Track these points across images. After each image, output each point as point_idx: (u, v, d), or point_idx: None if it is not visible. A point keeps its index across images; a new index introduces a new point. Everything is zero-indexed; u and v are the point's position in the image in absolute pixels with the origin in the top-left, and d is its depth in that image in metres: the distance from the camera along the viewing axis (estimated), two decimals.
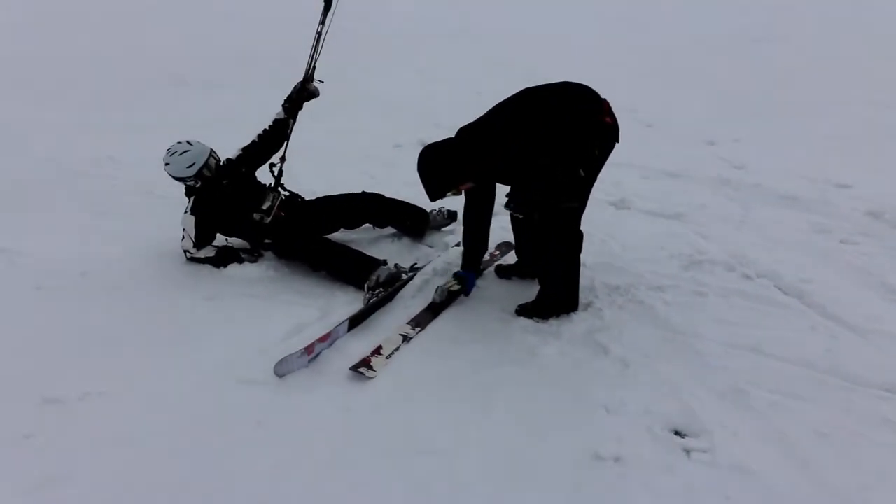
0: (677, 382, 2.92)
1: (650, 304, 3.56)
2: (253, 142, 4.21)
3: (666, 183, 5.46)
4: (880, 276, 3.86)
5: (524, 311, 3.49)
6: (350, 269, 3.79)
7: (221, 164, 4.14)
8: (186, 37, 12.32)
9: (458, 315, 3.55)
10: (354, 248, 4.04)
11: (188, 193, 4.08)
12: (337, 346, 3.25)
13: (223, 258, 4.04)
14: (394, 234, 4.48)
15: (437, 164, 3.18)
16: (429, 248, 4.37)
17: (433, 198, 3.24)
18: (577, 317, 3.46)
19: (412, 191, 4.80)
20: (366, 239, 4.42)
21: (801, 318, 3.44)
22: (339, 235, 4.32)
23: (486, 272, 3.98)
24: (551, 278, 3.44)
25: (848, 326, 3.35)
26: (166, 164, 4.00)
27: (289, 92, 4.18)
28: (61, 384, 2.93)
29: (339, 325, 3.28)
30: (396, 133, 6.85)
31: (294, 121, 4.20)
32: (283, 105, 4.19)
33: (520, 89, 3.24)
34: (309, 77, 4.15)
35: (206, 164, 3.99)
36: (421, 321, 3.46)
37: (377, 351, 3.18)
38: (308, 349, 3.07)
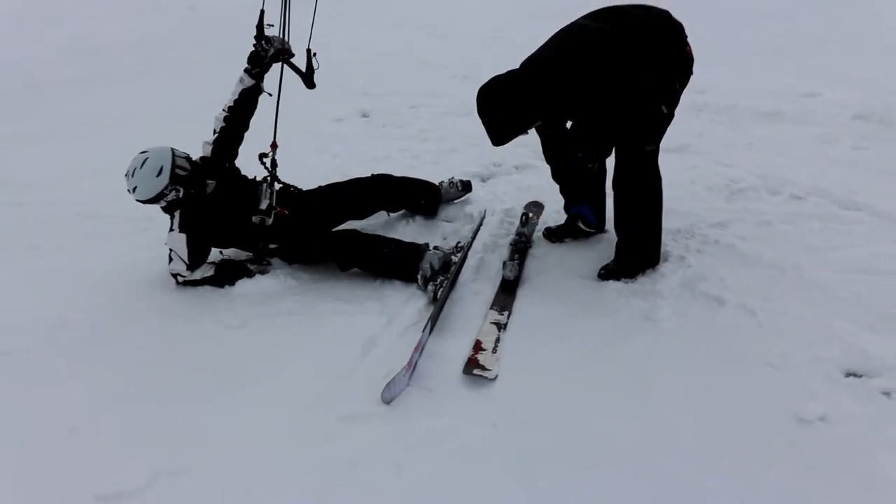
0: (821, 322, 2.68)
1: (727, 242, 3.32)
2: (222, 127, 3.45)
3: None
4: None
5: (609, 273, 3.13)
6: (393, 262, 3.25)
7: (194, 160, 3.42)
8: (14, 35, 10.84)
9: (537, 289, 3.14)
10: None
11: (169, 209, 3.34)
12: (427, 353, 2.74)
13: (228, 275, 3.37)
14: (405, 214, 3.96)
15: (505, 104, 2.74)
16: (448, 224, 3.89)
17: (498, 142, 2.81)
18: (662, 269, 3.15)
19: (383, 165, 4.36)
20: (377, 224, 3.87)
21: (881, 230, 3.33)
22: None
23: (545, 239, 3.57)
24: (634, 232, 3.10)
25: None
26: (134, 188, 3.24)
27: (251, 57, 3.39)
28: (114, 472, 2.24)
29: (424, 328, 2.77)
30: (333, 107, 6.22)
31: (261, 86, 3.43)
32: (245, 70, 3.41)
33: (598, 8, 2.82)
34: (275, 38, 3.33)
35: (175, 164, 3.26)
36: (504, 304, 3.01)
37: (479, 347, 2.72)
38: (409, 364, 2.56)
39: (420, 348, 2.69)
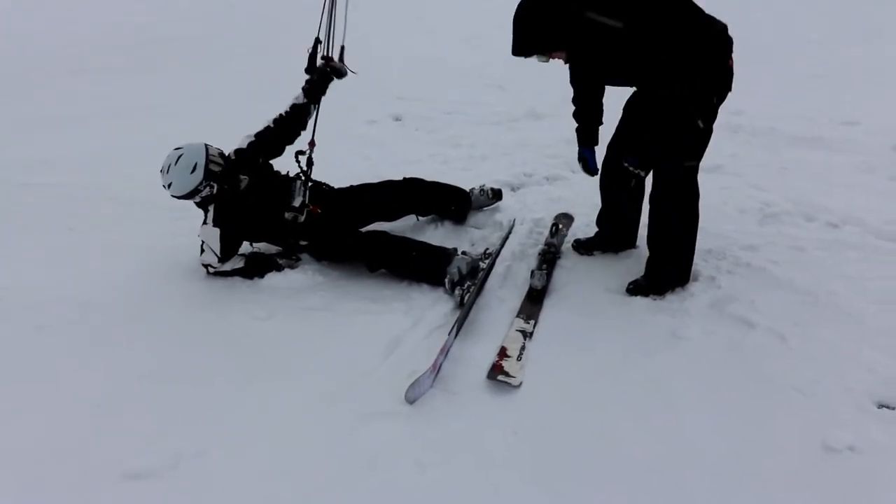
0: (853, 350, 2.64)
1: (758, 265, 3.28)
2: (267, 127, 3.53)
3: None
4: None
5: (638, 288, 3.10)
6: (421, 265, 3.26)
7: (228, 155, 3.46)
8: (66, 21, 11.04)
9: (564, 300, 3.12)
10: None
11: (203, 204, 3.38)
12: (451, 356, 2.74)
13: (257, 267, 3.40)
14: (434, 219, 3.96)
15: (537, 20, 2.67)
16: (477, 230, 3.89)
17: (517, 53, 2.76)
18: (692, 288, 3.12)
19: (413, 168, 4.37)
20: (406, 227, 3.88)
21: None
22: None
23: (564, 249, 3.55)
24: (667, 249, 3.07)
25: None
26: (169, 185, 3.28)
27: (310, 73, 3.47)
28: (140, 451, 2.26)
29: (450, 331, 2.76)
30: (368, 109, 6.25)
31: (317, 107, 3.52)
32: (302, 88, 3.51)
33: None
34: (332, 57, 3.43)
35: (209, 160, 3.30)
36: (531, 313, 3.00)
37: (503, 354, 2.71)
38: (434, 366, 2.55)
39: (445, 351, 2.68)
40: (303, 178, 3.45)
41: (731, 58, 2.75)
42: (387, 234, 3.44)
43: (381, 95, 6.84)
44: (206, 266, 3.36)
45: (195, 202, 3.36)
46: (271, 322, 3.03)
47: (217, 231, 3.29)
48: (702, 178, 3.99)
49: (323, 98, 3.49)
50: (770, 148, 4.92)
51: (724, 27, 2.70)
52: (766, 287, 3.10)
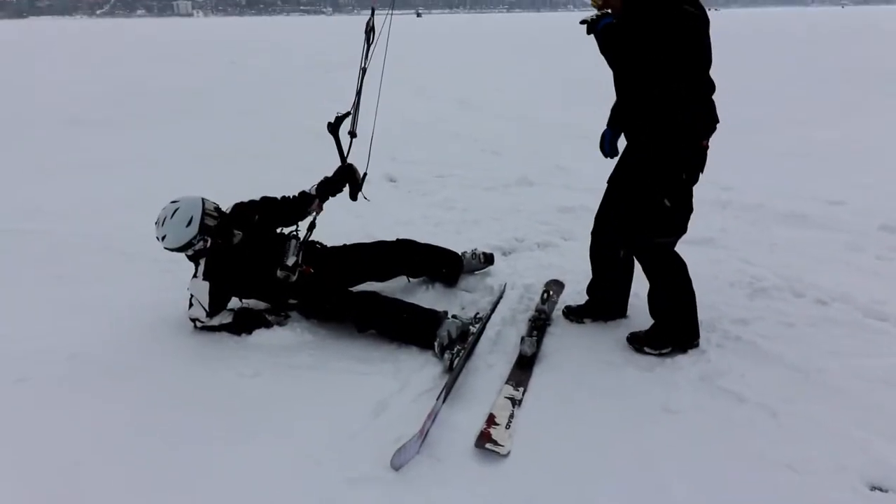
0: (844, 429, 2.61)
1: (748, 339, 3.28)
2: (275, 199, 3.61)
3: None
4: None
5: (636, 338, 3.16)
6: (410, 327, 3.24)
7: (224, 210, 3.47)
8: (65, 73, 11.22)
9: (554, 368, 3.10)
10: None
11: (195, 257, 3.37)
12: (438, 421, 2.69)
13: (245, 323, 3.37)
14: (425, 281, 3.96)
15: None
16: (468, 294, 3.88)
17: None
18: (682, 361, 3.11)
19: (405, 230, 4.40)
20: (396, 288, 3.87)
21: None
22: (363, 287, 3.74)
23: (564, 318, 3.54)
24: (664, 310, 3.12)
25: None
26: (163, 237, 3.30)
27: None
28: None
29: (438, 396, 2.72)
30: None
31: (321, 203, 3.62)
32: (318, 183, 3.63)
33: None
34: (362, 175, 3.62)
35: (205, 214, 3.32)
36: (520, 380, 2.97)
37: (492, 421, 2.67)
38: (421, 431, 2.51)
39: (433, 416, 2.64)
40: (298, 238, 3.46)
41: (706, 140, 2.82)
42: (377, 295, 3.43)
43: (376, 156, 6.92)
44: (193, 320, 3.33)
45: (187, 255, 3.35)
46: (257, 380, 2.99)
47: (206, 285, 3.27)
48: (692, 251, 4.04)
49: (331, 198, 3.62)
50: (759, 224, 4.99)
51: (710, 109, 2.79)
52: (756, 361, 3.09)
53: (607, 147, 3.23)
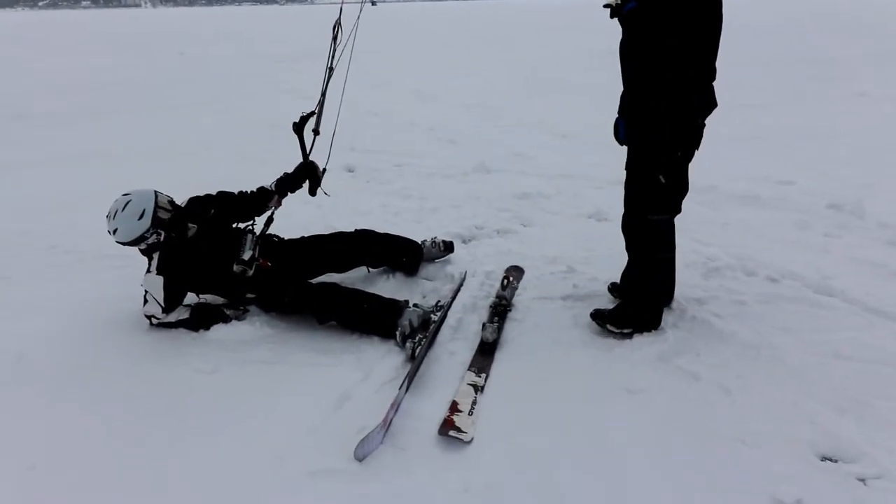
0: (794, 403, 2.69)
1: (703, 318, 3.35)
2: (231, 194, 3.56)
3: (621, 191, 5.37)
4: (883, 265, 3.93)
5: (599, 315, 3.18)
6: (371, 317, 3.23)
7: (177, 203, 3.41)
8: (9, 66, 10.85)
9: (515, 352, 3.12)
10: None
11: (148, 251, 3.30)
12: (401, 410, 2.69)
13: (203, 318, 3.31)
14: (385, 270, 3.95)
15: None
16: (429, 282, 3.89)
17: None
18: (641, 341, 3.16)
19: (364, 219, 4.39)
20: (356, 278, 3.86)
21: (854, 316, 3.37)
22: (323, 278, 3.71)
23: (524, 303, 3.56)
24: (630, 292, 3.19)
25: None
26: (114, 231, 3.22)
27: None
28: None
29: (401, 386, 2.73)
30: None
31: (280, 199, 3.60)
32: (277, 179, 3.59)
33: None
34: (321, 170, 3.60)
35: (157, 206, 3.25)
36: (482, 366, 2.99)
37: (455, 408, 2.68)
38: (384, 421, 2.51)
39: (396, 406, 2.64)
40: (254, 232, 3.41)
41: (703, 118, 2.88)
42: (337, 286, 3.41)
43: (334, 146, 6.87)
44: (149, 317, 3.27)
45: (140, 249, 3.28)
46: (216, 376, 2.95)
47: (161, 280, 3.21)
48: None
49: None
50: (712, 205, 5.10)
51: (711, 93, 2.85)
52: (710, 339, 3.16)
53: (623, 135, 3.08)
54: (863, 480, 2.30)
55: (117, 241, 3.24)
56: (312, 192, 3.59)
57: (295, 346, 3.18)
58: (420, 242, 3.97)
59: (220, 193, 3.51)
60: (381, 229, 3.92)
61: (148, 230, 3.20)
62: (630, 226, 3.09)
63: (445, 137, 7.57)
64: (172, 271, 3.24)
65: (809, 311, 3.43)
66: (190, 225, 3.37)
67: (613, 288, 3.58)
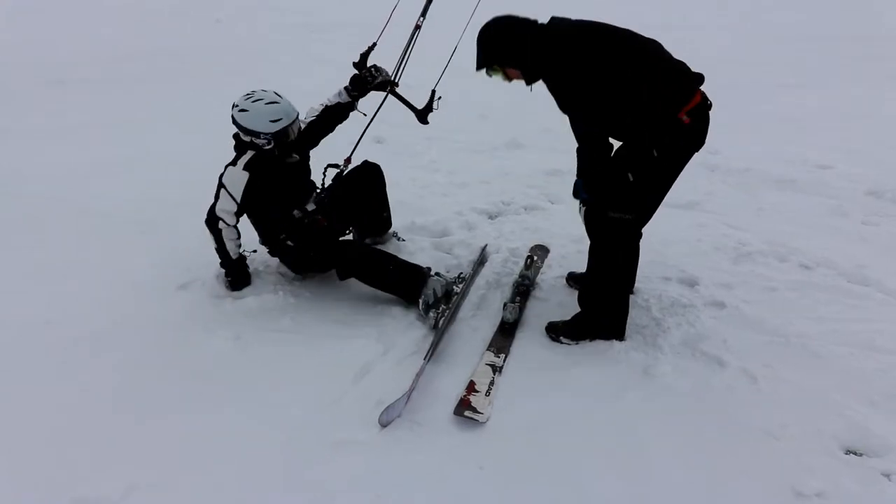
0: (822, 394, 2.63)
1: (732, 304, 3.28)
2: (316, 117, 3.47)
3: None
4: None
5: (553, 327, 3.03)
6: (395, 278, 3.21)
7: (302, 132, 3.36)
8: (45, 33, 10.95)
9: (535, 335, 3.08)
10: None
11: (245, 147, 3.21)
12: (420, 386, 2.68)
13: (240, 275, 3.38)
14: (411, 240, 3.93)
15: (496, 37, 2.71)
16: (450, 257, 3.84)
17: (478, 67, 2.81)
18: (665, 324, 3.11)
19: (391, 192, 4.32)
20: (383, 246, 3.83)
21: (888, 307, 3.29)
22: None
23: (548, 283, 3.53)
24: (588, 296, 3.00)
25: None
26: (241, 109, 3.12)
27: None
28: (91, 478, 2.19)
29: (425, 357, 2.73)
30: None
31: (355, 103, 3.48)
32: (346, 89, 3.44)
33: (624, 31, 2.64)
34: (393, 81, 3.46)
35: (292, 124, 3.18)
36: (501, 346, 2.96)
37: (472, 388, 2.66)
38: (409, 390, 2.52)
39: (419, 376, 2.64)
40: (324, 189, 3.43)
41: (682, 111, 2.54)
42: (367, 245, 3.40)
43: (363, 118, 6.83)
44: (218, 219, 3.20)
45: (241, 140, 3.21)
46: (238, 343, 2.97)
47: (246, 175, 3.13)
48: (678, 214, 4.04)
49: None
50: (746, 188, 4.97)
51: (673, 81, 2.57)
52: (738, 326, 3.10)
53: (583, 195, 2.91)
54: (888, 476, 2.25)
55: (233, 117, 3.15)
56: (423, 116, 3.48)
57: (318, 316, 3.19)
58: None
59: (310, 124, 3.45)
60: (408, 200, 3.84)
61: (267, 134, 3.13)
62: (591, 222, 2.86)
63: (477, 113, 7.47)
64: (257, 176, 3.17)
65: (843, 300, 3.34)
66: (294, 155, 3.34)
67: (570, 278, 3.47)
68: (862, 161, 5.42)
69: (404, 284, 3.18)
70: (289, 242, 3.37)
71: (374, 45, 3.39)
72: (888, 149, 5.74)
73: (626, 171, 2.63)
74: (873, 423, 2.46)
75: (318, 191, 3.45)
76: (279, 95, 3.20)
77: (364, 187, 3.65)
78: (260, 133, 3.12)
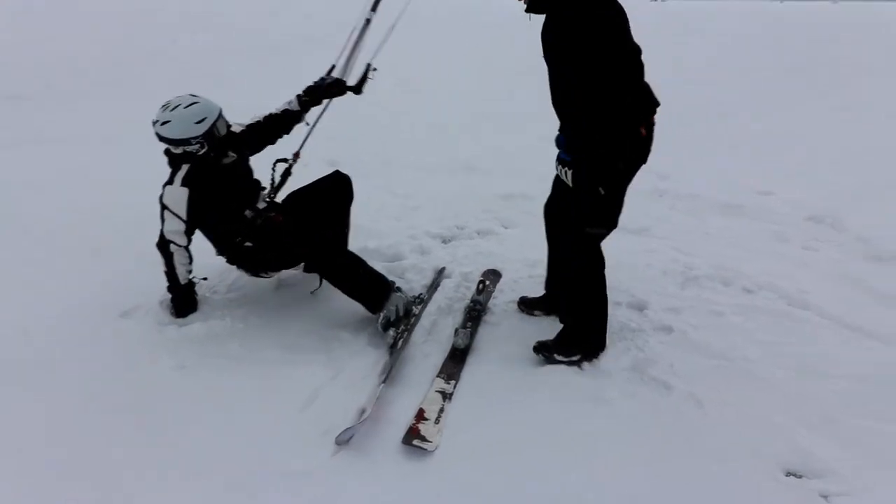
0: (765, 417, 2.70)
1: (679, 328, 3.34)
2: (258, 122, 3.40)
3: None
4: (859, 280, 3.93)
5: (543, 347, 3.06)
6: (362, 284, 3.21)
7: (231, 130, 3.27)
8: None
9: (486, 360, 3.08)
10: None
11: (179, 160, 3.10)
12: (372, 410, 2.65)
13: (187, 300, 3.31)
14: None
15: None
16: (404, 281, 3.84)
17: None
18: (613, 350, 3.15)
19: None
20: None
21: (827, 330, 3.39)
22: None
23: (500, 308, 3.54)
24: (572, 313, 3.06)
25: (872, 336, 3.32)
26: (164, 122, 3.01)
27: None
28: None
29: (382, 381, 2.73)
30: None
31: (304, 113, 3.45)
32: (297, 96, 3.41)
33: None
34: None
35: (217, 121, 3.08)
36: (452, 373, 2.96)
37: (421, 416, 2.65)
38: (364, 412, 2.55)
39: (379, 397, 2.64)
40: (272, 188, 3.41)
41: (643, 125, 2.66)
42: (343, 244, 3.48)
43: (314, 137, 6.80)
44: (168, 242, 3.12)
45: (174, 153, 3.10)
46: (185, 371, 2.90)
47: (185, 192, 3.03)
48: (629, 239, 4.10)
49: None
50: (694, 213, 5.09)
51: (644, 94, 2.68)
52: (685, 350, 3.15)
53: (563, 155, 2.93)
54: (826, 497, 2.30)
55: (159, 134, 3.04)
56: (358, 88, 3.49)
57: (266, 342, 3.14)
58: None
59: (250, 126, 3.38)
60: (362, 223, 3.84)
61: (197, 137, 3.02)
62: (570, 243, 2.92)
63: (432, 133, 7.50)
64: (197, 189, 3.07)
65: (785, 323, 3.43)
66: (231, 153, 3.24)
67: (521, 302, 3.50)
68: (803, 188, 5.60)
69: (370, 293, 3.17)
70: (247, 244, 3.27)
71: (334, 67, 3.43)
72: (828, 176, 5.93)
73: (598, 185, 2.66)
74: (813, 446, 2.52)
75: (266, 188, 3.42)
76: (195, 95, 3.12)
77: (332, 198, 3.62)
78: (190, 139, 3.03)
